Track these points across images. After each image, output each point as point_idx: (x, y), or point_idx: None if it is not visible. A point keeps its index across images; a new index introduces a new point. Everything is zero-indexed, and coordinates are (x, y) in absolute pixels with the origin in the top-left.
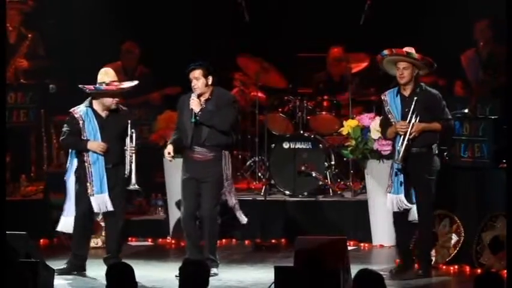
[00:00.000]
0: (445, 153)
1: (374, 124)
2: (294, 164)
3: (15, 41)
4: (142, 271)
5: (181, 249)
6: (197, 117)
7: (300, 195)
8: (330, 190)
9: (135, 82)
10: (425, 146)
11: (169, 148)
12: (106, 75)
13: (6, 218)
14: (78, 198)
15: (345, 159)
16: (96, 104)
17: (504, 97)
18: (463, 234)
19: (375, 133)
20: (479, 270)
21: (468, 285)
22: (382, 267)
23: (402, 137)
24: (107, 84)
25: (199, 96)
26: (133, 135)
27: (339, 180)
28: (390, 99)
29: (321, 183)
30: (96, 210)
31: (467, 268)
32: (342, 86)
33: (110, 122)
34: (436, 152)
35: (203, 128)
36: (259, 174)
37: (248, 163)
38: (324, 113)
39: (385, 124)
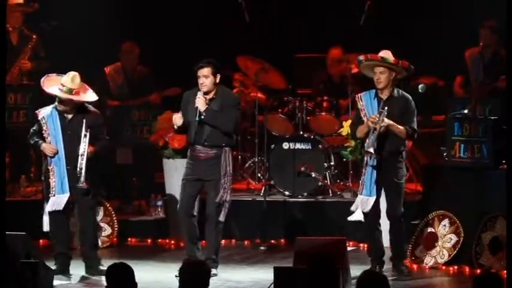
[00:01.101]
0: (444, 154)
1: None
2: (293, 164)
3: (17, 41)
4: (142, 271)
5: (180, 249)
6: (202, 116)
7: (300, 196)
8: (330, 191)
9: (95, 97)
10: (394, 151)
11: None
12: (72, 82)
13: (6, 218)
14: (46, 198)
15: (344, 159)
16: (59, 105)
17: (504, 97)
18: (462, 234)
19: None
20: (478, 271)
21: (467, 286)
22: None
23: (372, 130)
24: (68, 92)
25: (205, 94)
26: (87, 135)
27: (338, 180)
28: (366, 101)
29: (320, 183)
30: (49, 209)
31: (467, 268)
32: (342, 86)
33: (74, 123)
34: (404, 157)
35: (206, 127)
36: (259, 174)
37: (248, 164)
38: (323, 113)
39: (357, 122)
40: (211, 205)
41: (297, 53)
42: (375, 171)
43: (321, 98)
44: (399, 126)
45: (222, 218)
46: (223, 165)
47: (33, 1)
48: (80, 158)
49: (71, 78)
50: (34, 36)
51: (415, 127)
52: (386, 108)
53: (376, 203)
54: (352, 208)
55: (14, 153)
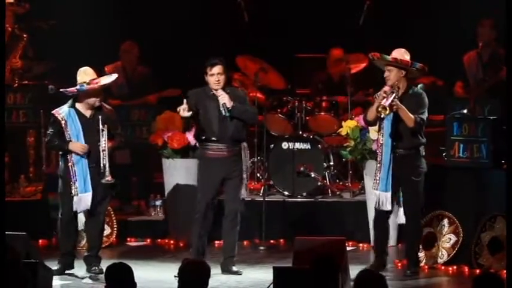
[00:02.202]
0: (444, 154)
1: None
2: (292, 164)
3: (8, 41)
4: (141, 271)
5: (180, 249)
6: (231, 111)
7: (299, 196)
8: (329, 191)
9: (114, 76)
10: (412, 147)
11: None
12: (86, 74)
13: (6, 218)
14: (62, 198)
15: (343, 159)
16: (79, 104)
17: (503, 97)
18: (461, 234)
19: (373, 134)
20: (477, 271)
21: (466, 286)
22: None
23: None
24: (88, 84)
25: (218, 88)
26: (104, 130)
27: (337, 180)
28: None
29: (319, 183)
30: (77, 209)
31: (466, 269)
32: (342, 86)
33: (94, 121)
34: (423, 153)
35: (230, 123)
36: (258, 174)
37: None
38: (322, 113)
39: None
40: (235, 204)
41: (297, 53)
42: (390, 168)
43: (320, 97)
44: (408, 112)
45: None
46: (244, 160)
47: (24, 1)
48: (102, 154)
49: (84, 72)
50: (25, 36)
51: (424, 118)
52: (396, 91)
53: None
54: (375, 206)
55: (13, 153)
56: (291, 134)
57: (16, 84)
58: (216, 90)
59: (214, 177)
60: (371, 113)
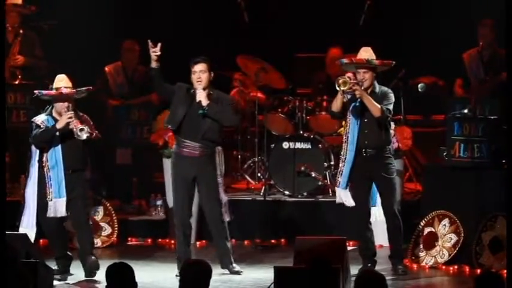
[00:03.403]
0: (444, 153)
1: None
2: (293, 164)
3: (12, 41)
4: (142, 271)
5: None
6: (205, 110)
7: (300, 196)
8: (329, 190)
9: (83, 88)
10: (379, 146)
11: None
12: (59, 81)
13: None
14: (40, 204)
15: None
16: (55, 112)
17: (504, 97)
18: (462, 234)
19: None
20: (478, 271)
21: (467, 286)
22: (381, 268)
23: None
24: (55, 89)
25: (201, 88)
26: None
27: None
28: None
29: (320, 183)
30: (51, 215)
31: (467, 268)
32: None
33: (68, 128)
34: (392, 153)
35: (203, 122)
36: (259, 174)
37: (248, 163)
38: (323, 113)
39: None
40: (214, 208)
41: (297, 52)
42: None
43: (321, 97)
44: (373, 100)
45: (225, 217)
46: (219, 164)
47: (30, 3)
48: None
49: (59, 79)
50: (21, 31)
51: (390, 109)
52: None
53: (366, 200)
54: (337, 201)
55: (13, 153)
56: (291, 133)
57: (17, 81)
58: (197, 88)
59: (185, 175)
60: (335, 102)
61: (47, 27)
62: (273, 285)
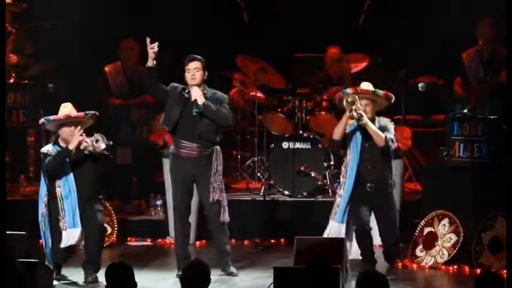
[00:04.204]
0: (444, 153)
1: None
2: (293, 164)
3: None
4: (142, 271)
5: None
6: (201, 108)
7: (299, 195)
8: (329, 190)
9: (93, 112)
10: (381, 181)
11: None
12: (65, 108)
13: (6, 218)
14: (53, 232)
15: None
16: (61, 141)
17: (503, 97)
18: (462, 234)
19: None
20: (478, 271)
21: (467, 286)
22: (381, 267)
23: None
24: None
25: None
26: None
27: (337, 180)
28: (352, 131)
29: (320, 183)
30: (63, 244)
31: (467, 268)
32: (341, 86)
33: (79, 155)
34: (394, 186)
35: (199, 122)
36: (259, 174)
37: (247, 163)
38: (323, 113)
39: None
40: (214, 208)
41: (296, 52)
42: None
43: (321, 97)
44: (377, 129)
45: (223, 218)
46: (214, 163)
47: (21, 1)
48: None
49: (62, 106)
50: (13, 30)
51: (393, 139)
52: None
53: (363, 209)
54: (324, 235)
55: (13, 153)
56: (291, 133)
57: (12, 80)
58: (191, 86)
59: (184, 176)
60: (337, 128)
61: (49, 27)
62: (272, 286)
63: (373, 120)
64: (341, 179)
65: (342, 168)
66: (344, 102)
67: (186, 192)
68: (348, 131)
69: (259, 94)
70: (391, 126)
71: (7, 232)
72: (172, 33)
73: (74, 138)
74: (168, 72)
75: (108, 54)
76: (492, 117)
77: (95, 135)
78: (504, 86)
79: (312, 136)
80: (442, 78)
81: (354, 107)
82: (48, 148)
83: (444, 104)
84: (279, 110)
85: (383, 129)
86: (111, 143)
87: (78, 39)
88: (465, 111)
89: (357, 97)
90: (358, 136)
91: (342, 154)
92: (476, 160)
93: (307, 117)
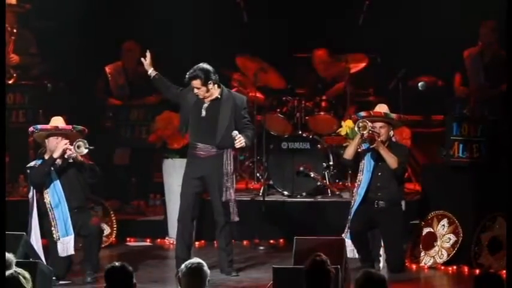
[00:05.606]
0: (443, 154)
1: None
2: (292, 164)
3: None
4: (141, 271)
5: None
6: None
7: (299, 196)
8: (328, 190)
9: (81, 127)
10: (391, 201)
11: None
12: (55, 121)
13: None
14: (49, 243)
15: None
16: (47, 154)
17: (503, 97)
18: (461, 234)
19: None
20: (477, 271)
21: (466, 286)
22: (381, 267)
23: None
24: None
25: (204, 98)
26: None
27: (337, 180)
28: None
29: (319, 183)
30: (62, 254)
31: (466, 268)
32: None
33: (65, 166)
34: (403, 208)
35: (219, 127)
36: (258, 174)
37: (247, 163)
38: (322, 113)
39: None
40: (218, 205)
41: (296, 52)
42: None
43: (320, 97)
44: (390, 153)
45: (232, 217)
46: (225, 163)
47: (24, 2)
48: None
49: (53, 120)
50: (15, 31)
51: (406, 164)
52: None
53: (362, 212)
54: (349, 255)
55: (12, 153)
56: (290, 133)
57: (12, 80)
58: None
59: (195, 175)
60: (349, 148)
61: (49, 27)
62: (271, 286)
63: (388, 142)
64: (353, 196)
65: (355, 187)
66: (356, 127)
67: (193, 191)
68: (360, 149)
69: (258, 94)
70: (406, 150)
71: (7, 232)
72: (172, 34)
73: (58, 145)
74: (167, 72)
75: (108, 54)
76: (491, 117)
77: (77, 140)
78: (504, 94)
79: (311, 136)
80: (441, 78)
81: (365, 132)
82: (32, 162)
83: (444, 104)
84: (278, 110)
85: (397, 152)
86: (92, 147)
87: (78, 39)
88: (464, 111)
89: (368, 122)
90: (372, 155)
91: (348, 170)
92: (476, 160)
93: (307, 118)
